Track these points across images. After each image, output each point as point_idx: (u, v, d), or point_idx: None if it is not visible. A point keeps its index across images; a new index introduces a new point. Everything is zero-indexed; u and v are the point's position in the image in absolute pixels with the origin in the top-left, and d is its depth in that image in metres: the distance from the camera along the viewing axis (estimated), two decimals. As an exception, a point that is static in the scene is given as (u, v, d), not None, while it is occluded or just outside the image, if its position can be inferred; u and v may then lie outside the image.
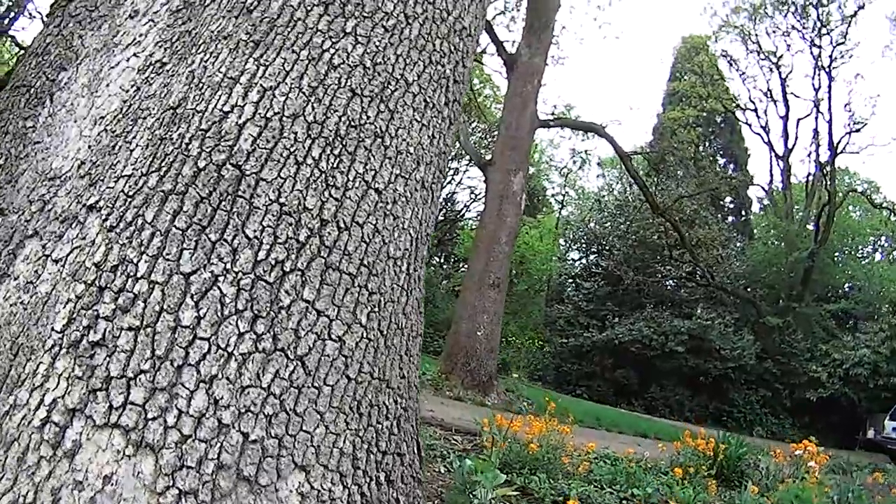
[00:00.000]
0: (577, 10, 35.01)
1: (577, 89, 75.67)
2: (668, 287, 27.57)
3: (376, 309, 2.26)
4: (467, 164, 29.79)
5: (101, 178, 2.30)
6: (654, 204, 19.50)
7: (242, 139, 2.13)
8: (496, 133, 18.79)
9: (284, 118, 2.20)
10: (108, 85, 2.72)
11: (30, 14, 24.25)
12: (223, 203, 2.05)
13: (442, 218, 33.39)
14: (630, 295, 27.26)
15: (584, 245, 32.08)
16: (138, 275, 1.92)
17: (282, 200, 2.10)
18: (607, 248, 28.98)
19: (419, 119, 2.53)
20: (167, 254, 1.95)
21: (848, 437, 21.72)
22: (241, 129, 2.15)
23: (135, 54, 2.72)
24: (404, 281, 2.44)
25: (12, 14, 24.36)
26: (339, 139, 2.25)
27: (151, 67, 2.60)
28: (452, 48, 2.75)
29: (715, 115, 32.71)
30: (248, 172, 2.10)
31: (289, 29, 2.36)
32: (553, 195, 38.89)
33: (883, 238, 33.58)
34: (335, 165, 2.21)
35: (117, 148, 2.36)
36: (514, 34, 23.36)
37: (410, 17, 2.51)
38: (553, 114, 23.57)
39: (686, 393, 25.03)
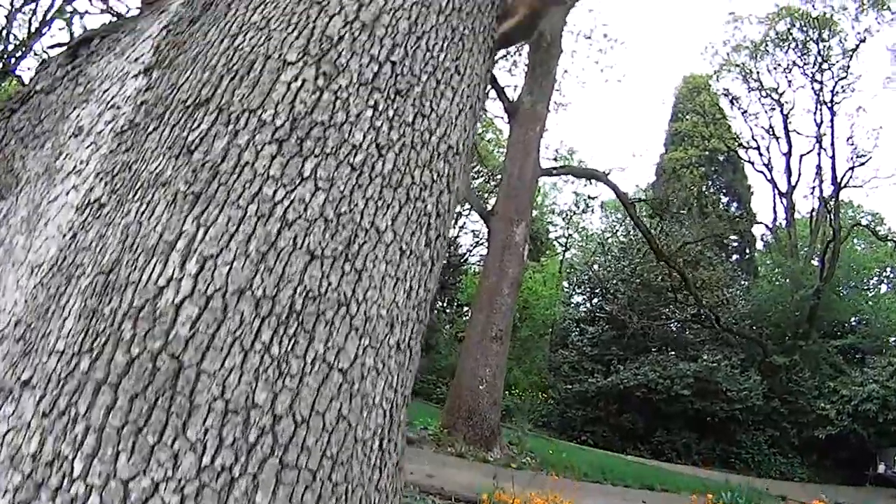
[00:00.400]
0: (578, 54, 34.90)
1: (580, 133, 76.31)
2: (673, 330, 27.24)
3: (343, 499, 1.93)
4: (469, 209, 29.61)
5: (35, 347, 1.96)
6: (657, 251, 19.30)
7: (180, 323, 1.78)
8: (499, 177, 18.61)
9: (228, 295, 1.83)
10: (46, 224, 2.43)
11: (35, 54, 24.31)
12: (160, 400, 1.72)
13: (445, 262, 33.44)
14: (635, 339, 26.98)
15: (587, 289, 31.82)
16: (74, 475, 1.64)
17: (227, 396, 1.75)
18: (611, 291, 28.71)
19: (393, 273, 2.15)
20: (102, 455, 1.66)
21: (857, 474, 21.73)
22: (178, 310, 1.80)
23: (74, 186, 2.41)
24: (377, 458, 2.08)
25: (19, 54, 24.40)
26: (293, 316, 1.88)
27: (90, 209, 2.27)
28: (436, 176, 2.37)
29: (717, 154, 32.69)
30: (186, 364, 1.75)
31: (234, 177, 1.98)
32: (556, 238, 38.73)
33: (888, 269, 33.45)
34: (289, 349, 1.84)
35: (50, 313, 2.03)
36: (516, 78, 23.33)
37: (384, 148, 2.10)
38: (556, 158, 23.55)
39: (693, 436, 24.73)
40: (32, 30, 24.09)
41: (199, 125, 2.03)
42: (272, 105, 1.99)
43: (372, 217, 2.12)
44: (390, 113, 2.17)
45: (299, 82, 2.02)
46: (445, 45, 2.34)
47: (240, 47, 2.13)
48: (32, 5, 23.98)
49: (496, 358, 14.31)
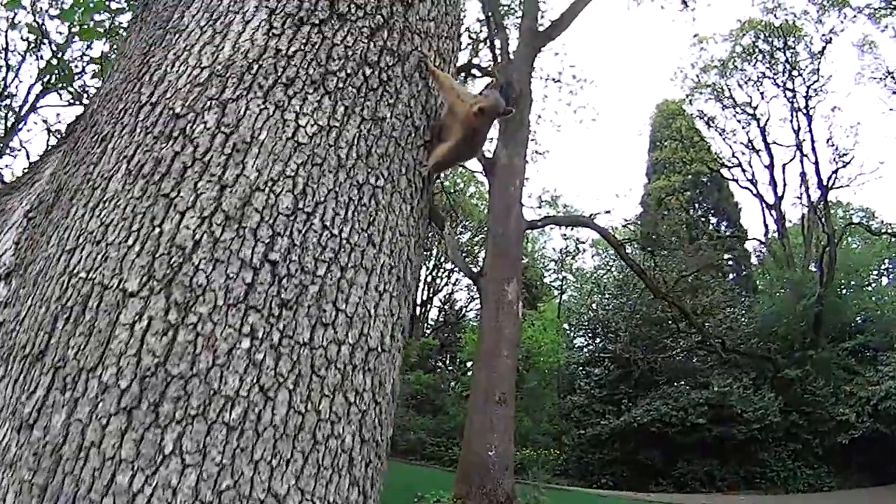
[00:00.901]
0: (550, 98, 34.97)
1: (562, 177, 76.65)
2: (680, 360, 26.88)
3: None
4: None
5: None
6: (654, 289, 19.02)
7: None
8: (486, 229, 18.28)
9: None
10: None
11: (11, 150, 24.14)
12: None
13: (442, 321, 33.05)
14: (642, 374, 26.78)
15: (588, 330, 31.48)
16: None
17: None
18: (612, 330, 28.36)
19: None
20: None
21: (885, 473, 21.63)
22: None
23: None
24: None
25: (-2, 151, 24.26)
26: None
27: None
28: (354, 397, 2.01)
29: (700, 177, 32.68)
30: None
31: (80, 464, 1.59)
32: (551, 282, 38.48)
33: (887, 261, 33.51)
34: None
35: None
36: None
37: (271, 388, 1.67)
38: (540, 206, 23.29)
39: (714, 463, 24.85)
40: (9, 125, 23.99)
41: (35, 390, 1.67)
42: (114, 360, 1.61)
43: (266, 484, 1.65)
44: (275, 337, 1.79)
45: (144, 322, 1.63)
46: (350, 212, 1.95)
47: (75, 272, 1.78)
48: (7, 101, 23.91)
49: (503, 421, 14.01)
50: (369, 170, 2.01)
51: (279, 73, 1.98)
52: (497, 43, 19.29)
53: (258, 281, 1.71)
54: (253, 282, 1.71)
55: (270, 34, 2.06)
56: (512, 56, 17.77)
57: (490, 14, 19.76)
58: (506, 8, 22.05)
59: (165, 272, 1.69)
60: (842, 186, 30.16)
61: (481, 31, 22.53)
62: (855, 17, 29.36)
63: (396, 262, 2.08)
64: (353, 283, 1.87)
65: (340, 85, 2.05)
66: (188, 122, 1.90)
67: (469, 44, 22.96)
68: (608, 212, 36.62)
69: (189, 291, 1.67)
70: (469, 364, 29.70)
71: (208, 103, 1.93)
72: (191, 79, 1.99)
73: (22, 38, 23.58)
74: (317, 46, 2.07)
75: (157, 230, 1.75)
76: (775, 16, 31.05)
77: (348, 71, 2.08)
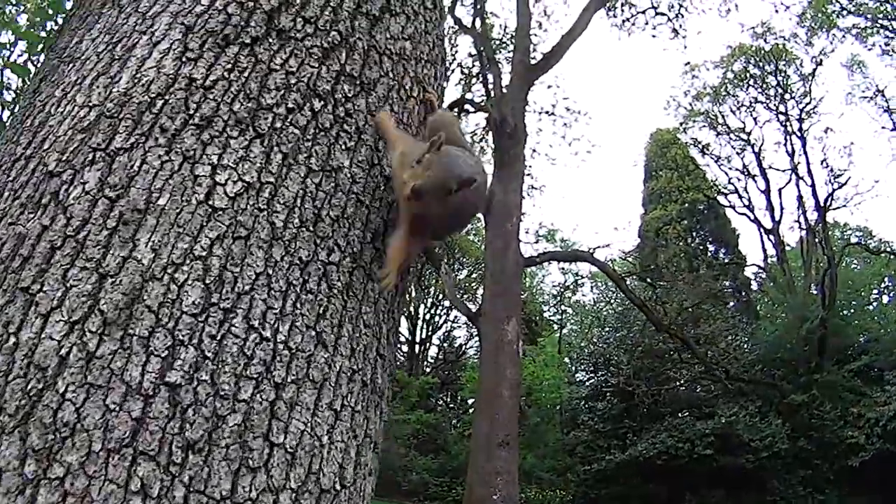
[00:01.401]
0: (544, 132, 34.98)
1: (558, 210, 76.84)
2: (684, 390, 26.24)
3: None
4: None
5: None
6: (657, 322, 18.58)
7: None
8: (483, 265, 17.88)
9: None
10: None
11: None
12: None
13: (442, 359, 32.60)
14: (646, 407, 26.01)
15: (590, 364, 30.86)
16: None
17: None
18: (614, 363, 27.80)
19: None
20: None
21: None
22: None
23: None
24: None
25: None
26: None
27: None
28: None
29: (697, 205, 32.41)
30: None
31: None
32: (550, 316, 38.20)
33: (887, 279, 32.76)
34: None
35: None
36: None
37: None
38: (537, 241, 22.91)
39: (722, 494, 24.24)
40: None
41: None
42: None
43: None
44: (178, 495, 1.20)
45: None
46: (289, 304, 1.44)
47: None
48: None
49: (507, 464, 13.49)
50: (318, 241, 1.49)
51: (191, 112, 1.47)
52: (490, 77, 18.97)
53: (151, 414, 1.17)
54: (143, 416, 1.16)
55: (183, 59, 1.56)
56: (505, 90, 17.39)
57: (481, 49, 19.52)
58: (497, 42, 21.86)
59: (19, 404, 1.15)
60: (839, 207, 29.93)
61: (473, 65, 22.30)
62: (843, 37, 29.28)
63: (361, 363, 1.52)
64: (294, 404, 1.33)
65: (278, 124, 1.53)
66: (62, 184, 1.38)
67: (462, 79, 22.74)
68: (607, 245, 36.29)
69: (52, 432, 1.13)
70: (471, 402, 29.21)
71: (91, 156, 1.40)
72: (74, 123, 1.47)
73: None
74: (246, 73, 1.55)
75: (11, 341, 1.20)
76: (765, 40, 30.97)
77: (290, 105, 1.57)
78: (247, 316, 1.29)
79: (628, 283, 20.79)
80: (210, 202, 1.37)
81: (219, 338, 1.24)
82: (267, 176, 1.45)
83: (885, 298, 33.39)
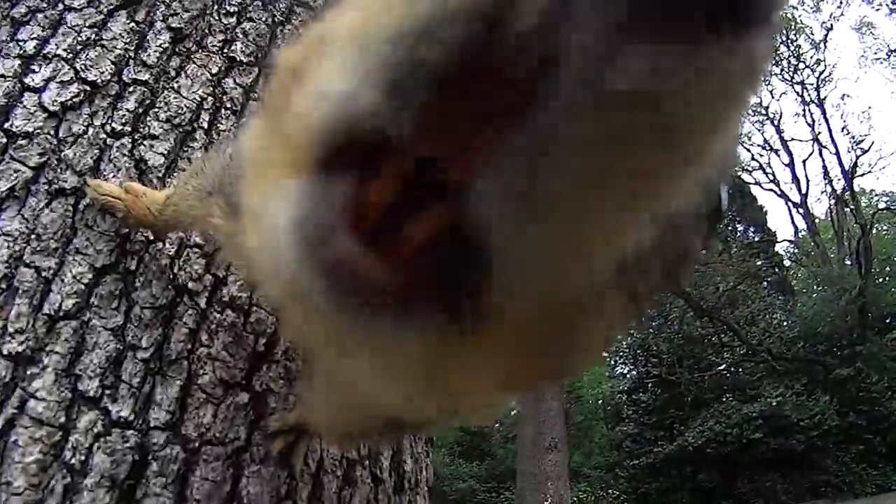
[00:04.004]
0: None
1: None
2: (727, 375, 26.02)
3: None
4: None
5: None
6: (697, 308, 18.49)
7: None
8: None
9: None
10: None
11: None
12: None
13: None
14: (691, 395, 25.67)
15: (629, 357, 30.55)
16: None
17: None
18: (654, 353, 27.52)
19: None
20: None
21: None
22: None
23: None
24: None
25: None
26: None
27: None
28: None
29: (721, 185, 31.96)
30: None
31: None
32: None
33: (919, 241, 32.71)
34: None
35: None
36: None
37: None
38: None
39: (776, 476, 23.81)
40: None
41: None
42: None
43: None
44: None
45: None
46: None
47: None
48: None
49: (556, 467, 13.45)
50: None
51: None
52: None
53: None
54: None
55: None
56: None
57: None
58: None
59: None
60: (864, 174, 29.66)
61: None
62: (850, 0, 29.36)
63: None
64: None
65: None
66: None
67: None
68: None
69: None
70: (513, 403, 29.24)
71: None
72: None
73: None
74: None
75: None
76: (773, 10, 30.70)
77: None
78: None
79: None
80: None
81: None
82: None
83: (921, 261, 33.14)
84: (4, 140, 1.55)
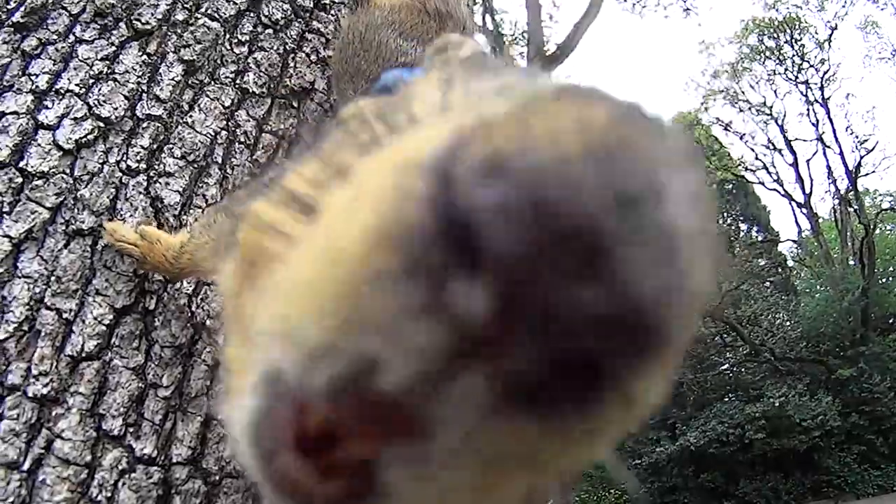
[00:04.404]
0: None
1: None
2: (730, 375, 26.05)
3: None
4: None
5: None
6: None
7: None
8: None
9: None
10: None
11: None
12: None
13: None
14: (693, 395, 25.70)
15: (634, 355, 30.61)
16: None
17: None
18: (657, 353, 27.51)
19: None
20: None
21: None
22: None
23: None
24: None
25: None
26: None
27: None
28: None
29: (724, 185, 32.04)
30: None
31: None
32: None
33: (922, 242, 32.65)
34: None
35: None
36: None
37: None
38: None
39: (778, 477, 23.93)
40: None
41: None
42: None
43: None
44: None
45: None
46: None
47: None
48: None
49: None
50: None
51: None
52: (506, 73, 19.00)
53: None
54: None
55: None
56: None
57: (495, 46, 19.57)
58: (510, 37, 21.89)
59: None
60: (867, 174, 29.61)
61: (489, 62, 22.33)
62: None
63: None
64: None
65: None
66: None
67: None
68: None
69: None
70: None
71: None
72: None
73: None
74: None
75: None
76: (777, 10, 30.77)
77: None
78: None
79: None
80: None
81: None
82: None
83: (925, 262, 33.09)
84: (20, 180, 1.56)
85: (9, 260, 1.49)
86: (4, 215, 1.53)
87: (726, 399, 25.53)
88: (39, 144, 1.59)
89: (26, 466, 1.33)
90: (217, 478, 1.46)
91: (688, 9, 23.17)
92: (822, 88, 30.24)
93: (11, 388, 1.39)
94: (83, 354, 1.44)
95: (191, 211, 1.66)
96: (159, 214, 1.62)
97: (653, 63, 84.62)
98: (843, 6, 29.27)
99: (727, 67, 32.30)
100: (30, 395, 1.38)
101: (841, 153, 29.04)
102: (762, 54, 31.43)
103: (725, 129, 32.51)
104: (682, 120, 34.67)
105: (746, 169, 32.67)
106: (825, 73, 30.22)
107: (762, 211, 33.90)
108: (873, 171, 30.59)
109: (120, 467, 1.39)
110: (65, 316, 1.46)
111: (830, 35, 29.71)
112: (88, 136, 1.62)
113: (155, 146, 1.68)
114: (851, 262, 28.25)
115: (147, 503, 1.39)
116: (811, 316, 27.71)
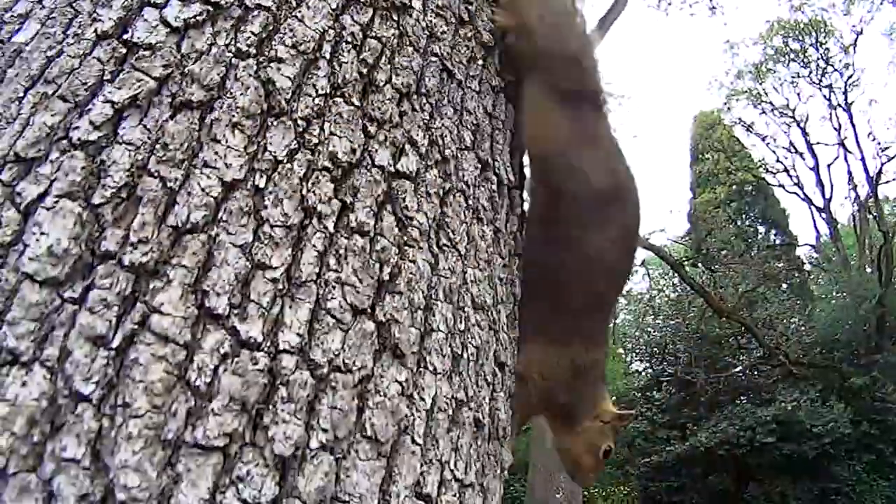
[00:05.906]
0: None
1: None
2: (742, 377, 25.96)
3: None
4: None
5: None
6: (718, 308, 18.37)
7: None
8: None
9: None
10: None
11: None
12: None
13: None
14: (705, 396, 25.58)
15: (645, 354, 30.44)
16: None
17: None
18: (671, 352, 27.37)
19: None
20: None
21: None
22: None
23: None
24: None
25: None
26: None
27: None
28: None
29: (744, 186, 31.97)
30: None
31: None
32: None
33: (940, 251, 31.98)
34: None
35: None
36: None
37: None
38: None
39: (786, 482, 23.82)
40: None
41: None
42: None
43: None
44: None
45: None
46: None
47: None
48: None
49: (570, 467, 13.12)
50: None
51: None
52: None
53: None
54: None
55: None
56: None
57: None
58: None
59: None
60: (889, 181, 29.43)
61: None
62: (881, 4, 29.25)
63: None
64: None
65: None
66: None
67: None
68: (662, 230, 35.82)
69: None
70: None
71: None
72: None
73: None
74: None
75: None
76: (802, 12, 30.73)
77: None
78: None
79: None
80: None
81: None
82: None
83: (942, 272, 32.78)
84: (124, 50, 1.47)
85: (108, 125, 1.39)
86: (106, 83, 1.44)
87: (738, 401, 25.35)
88: (146, 20, 1.51)
89: (115, 343, 1.23)
90: (325, 371, 1.35)
91: (714, 7, 23.12)
92: (845, 93, 30.24)
93: (104, 255, 1.28)
94: (188, 226, 1.34)
95: (301, 99, 1.57)
96: (270, 97, 1.53)
97: (677, 61, 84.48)
98: (869, 11, 29.39)
99: (751, 68, 32.18)
100: (126, 263, 1.28)
101: (862, 159, 29.02)
102: (787, 56, 31.40)
103: (747, 130, 32.57)
104: (705, 119, 34.69)
105: (767, 171, 32.44)
106: (849, 77, 30.24)
107: (781, 214, 33.73)
108: (894, 179, 30.48)
109: (222, 350, 1.28)
110: (169, 185, 1.35)
111: (856, 39, 29.80)
112: (197, 18, 1.53)
113: (264, 34, 1.59)
114: (868, 270, 28.11)
115: (252, 391, 1.27)
116: (826, 322, 27.67)
